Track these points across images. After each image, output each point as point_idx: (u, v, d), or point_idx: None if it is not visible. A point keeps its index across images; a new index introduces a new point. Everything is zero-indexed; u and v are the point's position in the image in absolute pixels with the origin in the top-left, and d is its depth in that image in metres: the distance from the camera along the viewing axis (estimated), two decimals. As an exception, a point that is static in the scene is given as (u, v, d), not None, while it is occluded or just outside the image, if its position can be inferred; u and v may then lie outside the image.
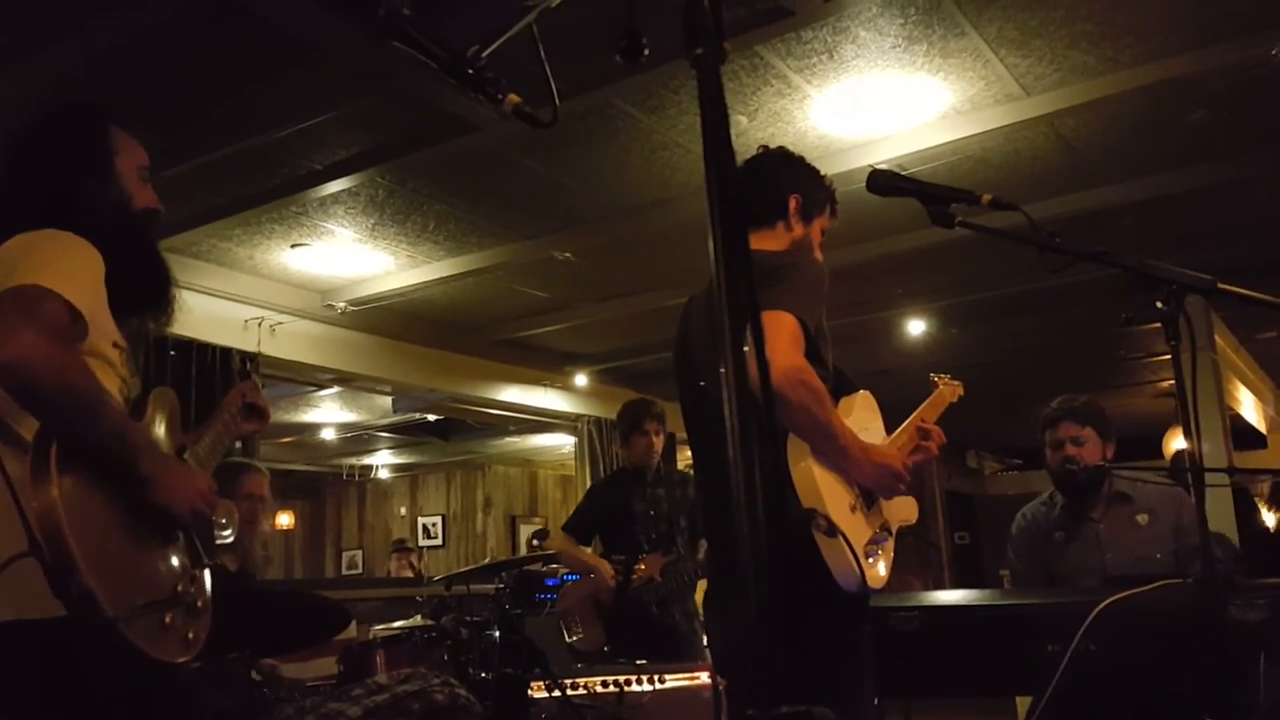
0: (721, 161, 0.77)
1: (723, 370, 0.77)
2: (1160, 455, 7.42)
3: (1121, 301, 2.09)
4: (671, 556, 4.18)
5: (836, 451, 1.91)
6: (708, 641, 3.52)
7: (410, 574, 9.65)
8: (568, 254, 5.42)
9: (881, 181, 2.08)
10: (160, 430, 1.88)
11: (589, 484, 8.15)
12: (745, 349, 0.75)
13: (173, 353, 5.17)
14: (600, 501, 4.50)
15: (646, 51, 0.90)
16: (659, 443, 4.37)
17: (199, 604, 1.76)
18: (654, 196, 4.79)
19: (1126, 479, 3.10)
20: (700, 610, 4.07)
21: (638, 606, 4.04)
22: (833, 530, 1.79)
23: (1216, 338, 6.78)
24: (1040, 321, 7.22)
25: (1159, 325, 1.87)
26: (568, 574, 4.64)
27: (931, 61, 3.70)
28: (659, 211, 4.89)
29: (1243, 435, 8.67)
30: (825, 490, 1.86)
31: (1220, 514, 4.42)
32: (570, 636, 4.12)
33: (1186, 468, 1.90)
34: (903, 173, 2.77)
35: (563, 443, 9.95)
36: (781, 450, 1.86)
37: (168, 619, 1.65)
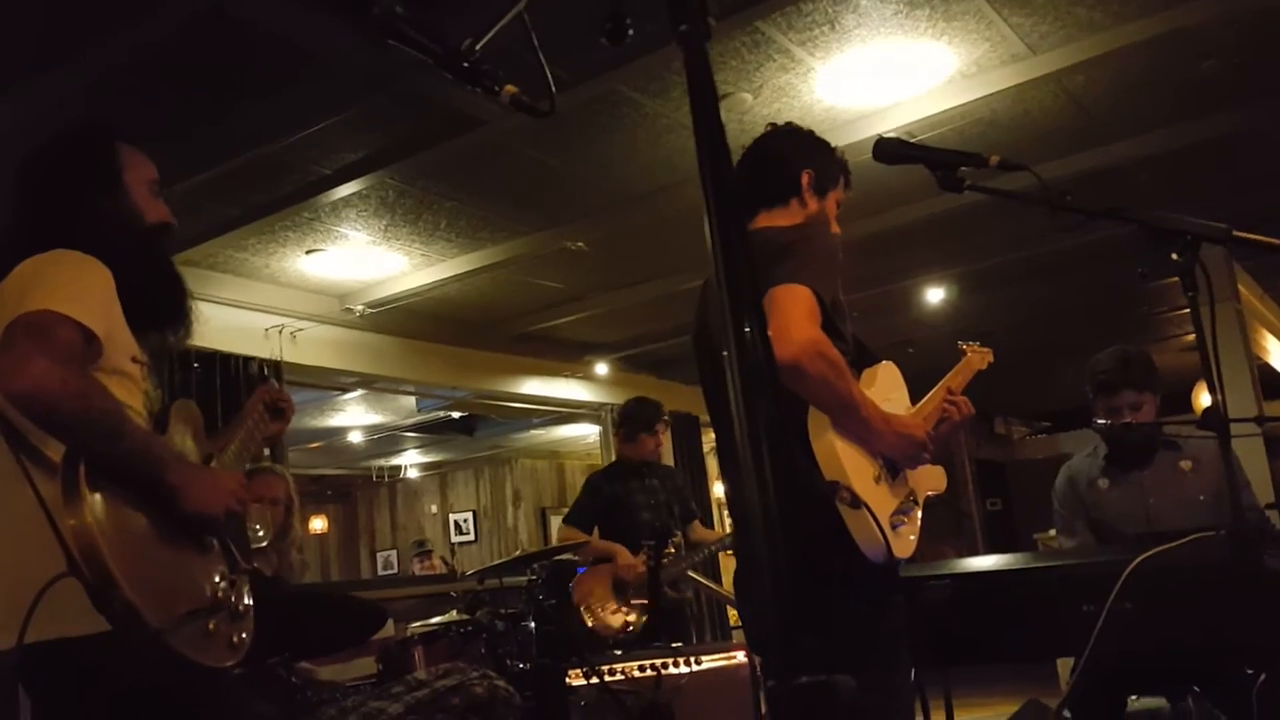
0: (713, 140, 0.76)
1: (726, 353, 0.76)
2: (1190, 408, 7.35)
3: (1141, 257, 2.06)
4: (677, 539, 4.51)
5: (858, 423, 1.90)
6: (740, 621, 3.55)
7: (440, 570, 9.69)
8: (580, 243, 5.43)
9: (887, 149, 2.07)
10: (185, 442, 1.90)
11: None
12: (747, 329, 0.75)
13: (196, 365, 5.21)
14: (600, 494, 4.65)
15: (631, 32, 0.90)
16: (665, 442, 4.80)
17: (240, 608, 1.77)
18: (663, 181, 4.78)
19: (1175, 434, 3.08)
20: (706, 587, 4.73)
21: (662, 589, 4.22)
22: (856, 502, 1.78)
23: (1240, 288, 6.71)
24: (1061, 282, 7.16)
25: (1179, 280, 1.85)
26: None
27: (935, 26, 3.66)
28: (669, 195, 4.88)
29: (1274, 384, 8.58)
30: (848, 462, 1.85)
31: (1254, 464, 4.37)
32: (592, 621, 4.29)
33: (1214, 419, 1.88)
34: (911, 140, 2.75)
35: (587, 432, 9.98)
36: (798, 427, 1.86)
37: (211, 625, 1.67)
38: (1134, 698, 3.04)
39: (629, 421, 4.71)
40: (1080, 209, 1.90)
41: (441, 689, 2.73)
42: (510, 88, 1.10)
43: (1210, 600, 2.02)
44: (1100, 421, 3.07)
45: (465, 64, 1.07)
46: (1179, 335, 9.11)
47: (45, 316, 1.61)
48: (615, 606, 4.31)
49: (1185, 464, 3.03)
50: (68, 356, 1.60)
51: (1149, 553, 2.04)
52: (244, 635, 1.76)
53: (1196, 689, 2.76)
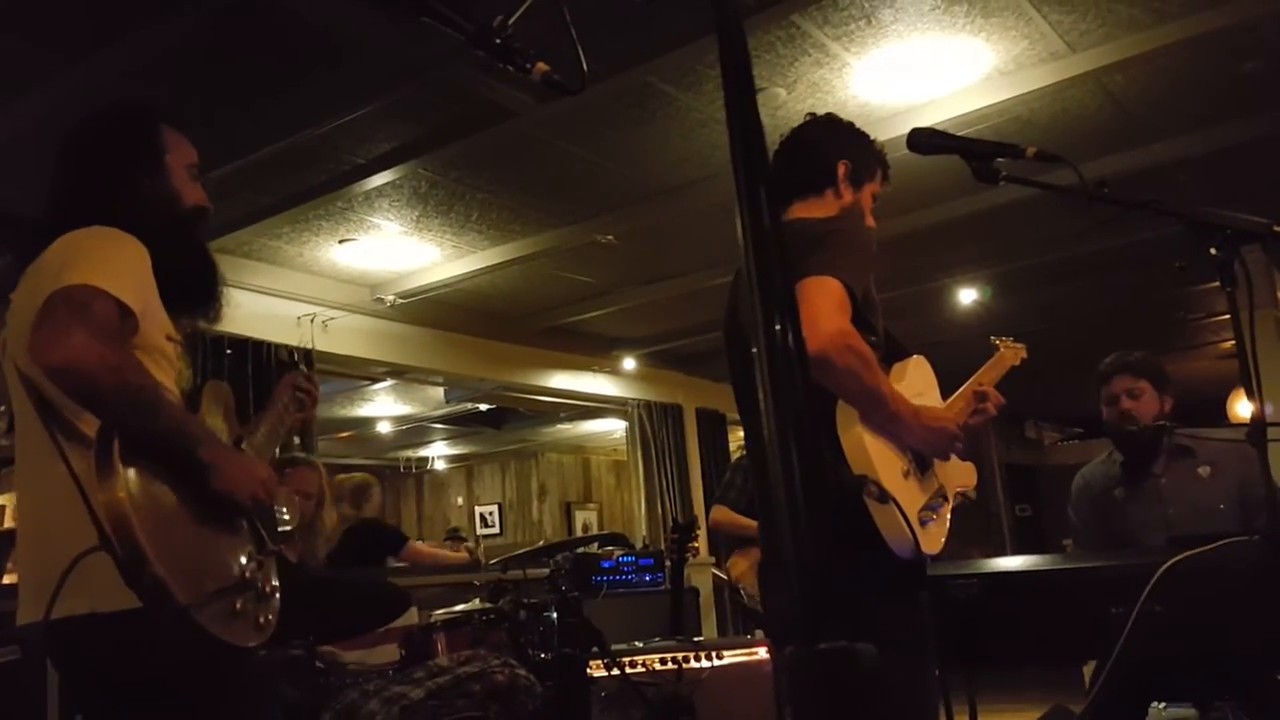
0: (745, 112, 0.75)
1: (755, 350, 0.75)
2: (1225, 417, 7.24)
3: (1179, 258, 2.03)
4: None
5: (887, 417, 1.88)
6: (764, 615, 3.53)
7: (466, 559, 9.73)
8: (610, 237, 5.42)
9: (922, 139, 2.04)
10: (216, 422, 1.91)
11: (640, 468, 8.17)
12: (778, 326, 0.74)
13: (229, 351, 5.27)
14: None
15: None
16: None
17: (267, 589, 1.78)
18: (695, 175, 4.76)
19: (1188, 434, 3.03)
20: None
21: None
22: (884, 496, 1.77)
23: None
24: (1097, 285, 7.07)
25: (1218, 285, 1.81)
26: (622, 556, 4.66)
27: (972, 22, 3.63)
28: (700, 190, 4.86)
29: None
30: (876, 456, 1.83)
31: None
32: (749, 601, 4.35)
33: (1251, 426, 1.84)
34: (946, 136, 2.72)
35: (614, 428, 9.98)
36: (826, 420, 1.84)
37: (238, 604, 1.67)
38: (1161, 706, 2.99)
39: None
40: (1118, 200, 1.86)
41: (463, 675, 2.74)
42: (541, 65, 1.10)
43: (1244, 605, 1.98)
44: (1104, 411, 3.07)
45: (497, 40, 1.07)
46: (1214, 342, 8.98)
47: (83, 291, 1.62)
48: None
49: (1203, 470, 2.98)
50: (105, 331, 1.60)
51: (1184, 555, 2.01)
52: (270, 616, 1.76)
53: (1227, 697, 2.71)
